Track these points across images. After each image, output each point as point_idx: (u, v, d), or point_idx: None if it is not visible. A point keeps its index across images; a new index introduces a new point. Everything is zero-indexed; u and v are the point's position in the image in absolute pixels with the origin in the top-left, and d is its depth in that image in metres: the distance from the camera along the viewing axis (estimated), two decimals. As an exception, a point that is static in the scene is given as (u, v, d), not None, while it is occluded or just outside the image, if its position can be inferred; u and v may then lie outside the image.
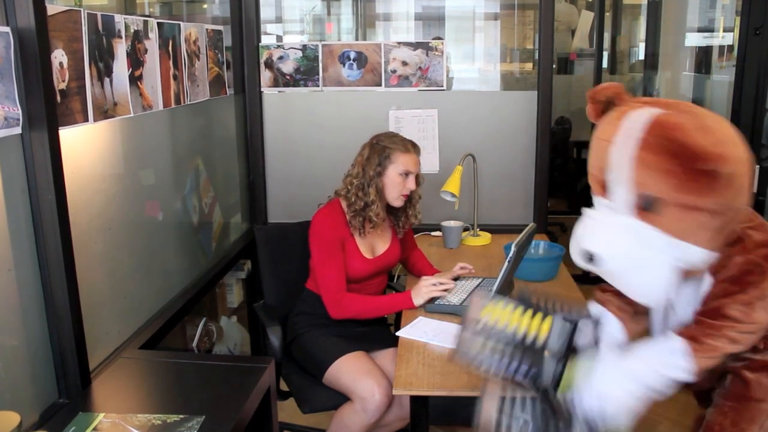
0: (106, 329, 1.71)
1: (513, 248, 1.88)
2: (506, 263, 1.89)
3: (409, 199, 2.17)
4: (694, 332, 1.46)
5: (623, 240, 1.40)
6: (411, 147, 2.13)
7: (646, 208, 1.39)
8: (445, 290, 2.04)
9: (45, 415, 1.41)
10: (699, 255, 1.41)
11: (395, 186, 2.10)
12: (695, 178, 1.32)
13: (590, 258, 1.43)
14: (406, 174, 2.10)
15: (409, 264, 2.38)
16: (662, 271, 1.41)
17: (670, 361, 1.45)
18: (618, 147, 1.39)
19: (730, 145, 1.35)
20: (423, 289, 1.99)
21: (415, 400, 1.65)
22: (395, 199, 2.12)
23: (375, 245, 2.19)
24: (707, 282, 1.49)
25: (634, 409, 1.44)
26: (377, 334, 2.18)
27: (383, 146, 2.11)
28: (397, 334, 1.85)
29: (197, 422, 1.32)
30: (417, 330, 1.86)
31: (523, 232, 1.96)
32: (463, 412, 2.65)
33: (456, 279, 2.21)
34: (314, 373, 2.08)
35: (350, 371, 1.98)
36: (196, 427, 1.30)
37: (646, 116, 1.36)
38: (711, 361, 1.46)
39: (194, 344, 2.56)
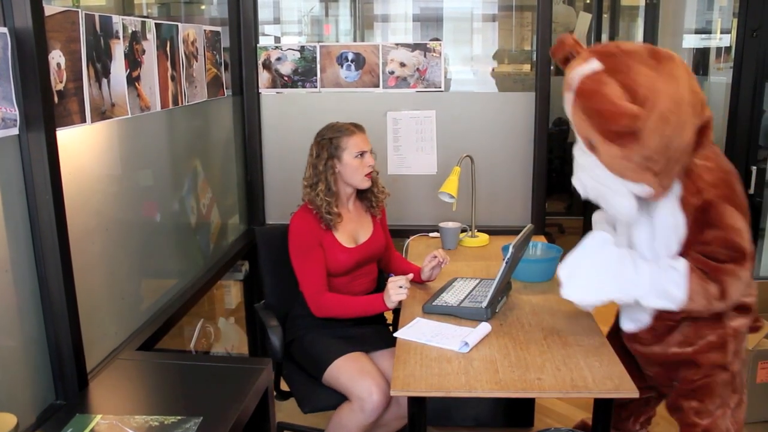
0: (103, 330, 1.71)
1: (510, 249, 1.88)
2: (504, 264, 1.89)
3: (372, 182, 2.18)
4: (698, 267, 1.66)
5: (588, 178, 1.73)
6: (354, 128, 2.15)
7: (591, 147, 1.66)
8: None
9: (42, 416, 1.41)
10: (645, 189, 1.66)
11: (356, 169, 2.12)
12: (611, 137, 1.58)
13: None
14: (362, 154, 2.12)
15: (382, 264, 2.36)
16: (619, 199, 1.69)
17: (669, 276, 1.66)
18: (565, 100, 1.68)
19: (649, 101, 1.54)
20: (390, 292, 1.97)
21: (412, 401, 1.65)
22: (361, 181, 2.14)
23: (357, 234, 2.21)
24: (681, 218, 1.70)
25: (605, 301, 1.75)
26: (377, 334, 2.19)
27: (329, 138, 2.12)
28: (395, 335, 1.85)
29: (195, 423, 1.32)
30: (415, 331, 1.86)
31: (521, 234, 1.96)
32: (460, 414, 2.65)
33: (454, 279, 2.21)
34: (314, 374, 2.08)
35: (349, 372, 1.98)
36: (194, 429, 1.30)
37: (578, 76, 1.61)
38: (701, 305, 1.66)
39: (192, 345, 2.56)
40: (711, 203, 1.64)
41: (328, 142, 2.12)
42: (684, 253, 1.70)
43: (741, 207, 1.66)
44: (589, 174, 1.72)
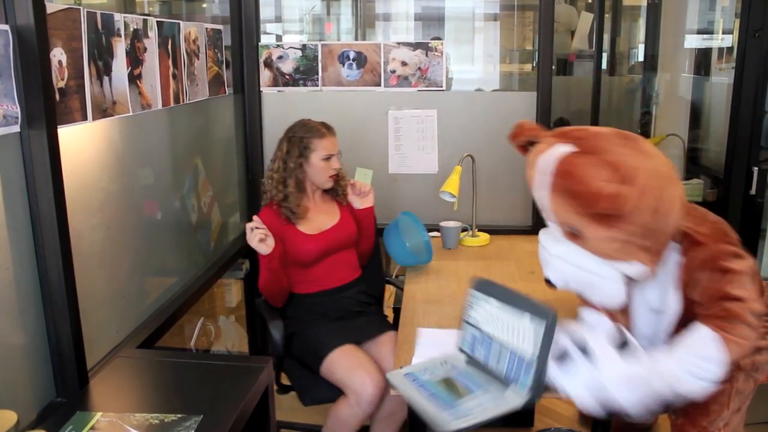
0: (104, 328, 1.71)
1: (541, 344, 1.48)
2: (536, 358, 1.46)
3: (337, 178, 2.28)
4: (716, 320, 1.46)
5: (569, 267, 1.55)
6: (326, 130, 2.22)
7: (573, 233, 1.52)
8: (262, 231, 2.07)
9: (42, 414, 1.41)
10: (636, 268, 1.51)
11: (322, 171, 2.20)
12: (597, 219, 1.45)
13: (551, 284, 1.61)
14: (329, 157, 2.19)
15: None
16: (609, 284, 1.53)
17: (703, 355, 1.44)
18: (537, 187, 1.54)
19: (632, 178, 1.43)
20: (248, 236, 2.05)
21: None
22: (324, 182, 2.23)
23: (321, 223, 2.26)
24: (673, 296, 1.56)
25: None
26: (371, 321, 2.24)
27: (300, 137, 2.19)
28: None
29: (195, 422, 1.32)
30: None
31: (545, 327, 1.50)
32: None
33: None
34: (312, 367, 2.12)
35: (343, 366, 2.02)
36: (194, 427, 1.30)
37: (553, 157, 1.48)
38: (740, 350, 1.45)
39: (192, 344, 2.56)
40: (712, 252, 1.51)
41: (299, 140, 2.19)
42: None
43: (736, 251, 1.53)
44: (570, 262, 1.55)
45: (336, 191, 2.32)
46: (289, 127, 2.26)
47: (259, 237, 2.04)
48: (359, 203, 2.33)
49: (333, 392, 2.06)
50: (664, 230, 1.50)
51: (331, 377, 2.05)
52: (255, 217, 2.08)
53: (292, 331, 2.21)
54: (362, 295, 2.32)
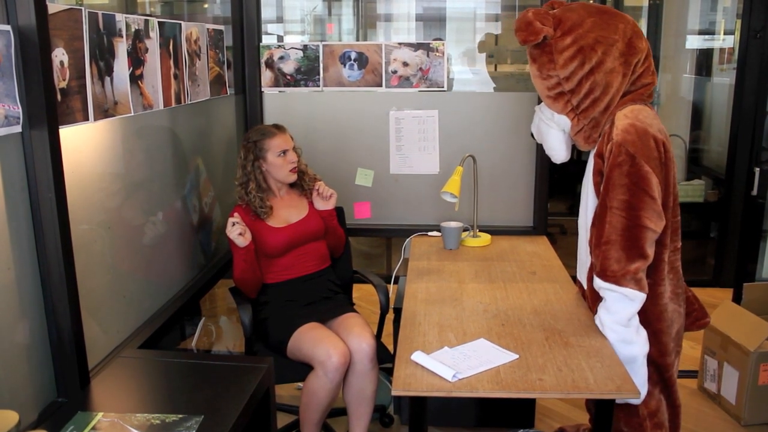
0: (105, 328, 1.71)
1: None
2: None
3: (300, 171, 2.38)
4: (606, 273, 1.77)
5: (536, 118, 2.01)
6: (275, 129, 2.34)
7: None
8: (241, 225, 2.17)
9: (44, 414, 1.41)
10: (564, 120, 1.89)
11: (280, 167, 2.30)
12: (533, 57, 1.86)
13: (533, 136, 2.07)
14: (284, 152, 2.30)
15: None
16: (552, 134, 1.95)
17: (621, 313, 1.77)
18: None
19: (566, 28, 1.79)
20: (227, 229, 2.15)
21: (413, 400, 1.65)
22: (287, 176, 2.33)
23: (289, 216, 2.36)
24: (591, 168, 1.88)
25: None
26: (336, 304, 2.32)
27: (253, 141, 2.31)
28: (413, 357, 1.70)
29: (196, 422, 1.32)
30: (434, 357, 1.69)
31: None
32: (461, 413, 2.65)
33: None
34: (280, 353, 2.20)
35: (307, 341, 2.12)
36: (195, 427, 1.30)
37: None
38: (634, 278, 1.76)
39: (193, 344, 2.56)
40: (618, 145, 1.75)
41: (253, 145, 2.31)
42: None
43: (648, 158, 1.74)
44: (537, 114, 2.00)
45: (302, 186, 2.42)
46: (244, 136, 2.38)
47: (239, 231, 2.14)
48: (321, 205, 2.41)
49: (300, 372, 2.13)
50: (594, 96, 1.81)
51: (298, 354, 2.13)
52: (236, 213, 2.22)
53: (263, 317, 2.29)
54: (330, 283, 2.41)
